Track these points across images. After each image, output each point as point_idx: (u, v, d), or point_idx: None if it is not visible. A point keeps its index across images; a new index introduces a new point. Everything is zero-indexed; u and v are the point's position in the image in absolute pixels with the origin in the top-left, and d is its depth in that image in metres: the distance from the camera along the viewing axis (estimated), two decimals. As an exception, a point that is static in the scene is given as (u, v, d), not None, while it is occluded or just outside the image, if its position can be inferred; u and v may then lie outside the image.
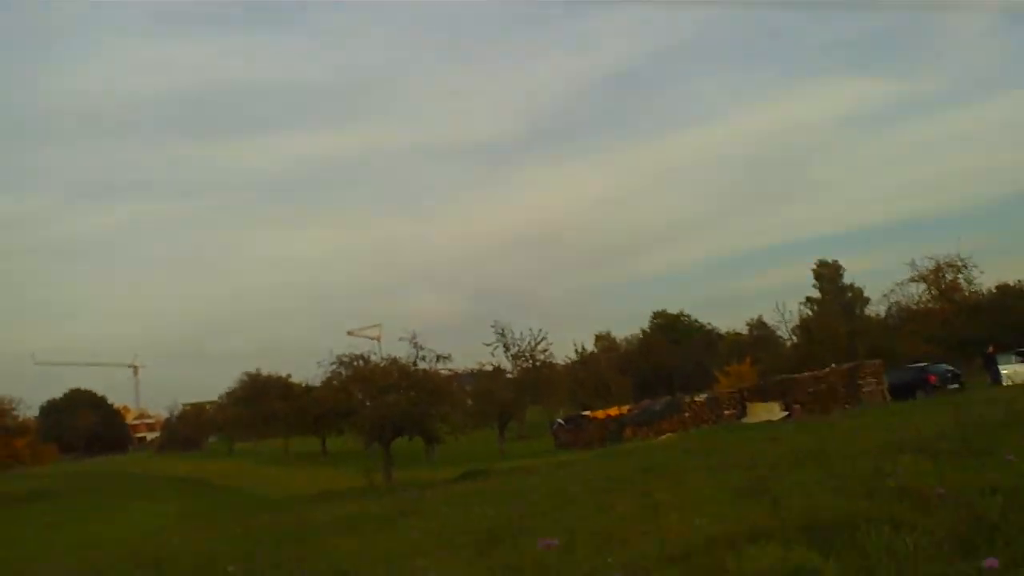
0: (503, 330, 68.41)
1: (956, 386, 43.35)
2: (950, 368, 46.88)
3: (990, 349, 45.27)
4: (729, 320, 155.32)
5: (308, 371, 74.93)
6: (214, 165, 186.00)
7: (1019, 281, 75.16)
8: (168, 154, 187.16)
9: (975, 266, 73.47)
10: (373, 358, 51.74)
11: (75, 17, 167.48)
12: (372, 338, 72.56)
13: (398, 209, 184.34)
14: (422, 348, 50.36)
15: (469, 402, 60.55)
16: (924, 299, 74.30)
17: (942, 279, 73.19)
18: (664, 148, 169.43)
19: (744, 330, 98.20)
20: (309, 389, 67.38)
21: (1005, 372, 42.20)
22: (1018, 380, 39.93)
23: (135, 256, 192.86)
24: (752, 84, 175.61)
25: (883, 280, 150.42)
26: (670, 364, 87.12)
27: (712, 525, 8.01)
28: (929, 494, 7.57)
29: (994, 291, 73.83)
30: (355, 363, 50.97)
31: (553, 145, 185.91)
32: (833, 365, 48.39)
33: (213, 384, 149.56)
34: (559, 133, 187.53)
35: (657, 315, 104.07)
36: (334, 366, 50.86)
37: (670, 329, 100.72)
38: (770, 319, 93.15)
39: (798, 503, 8.11)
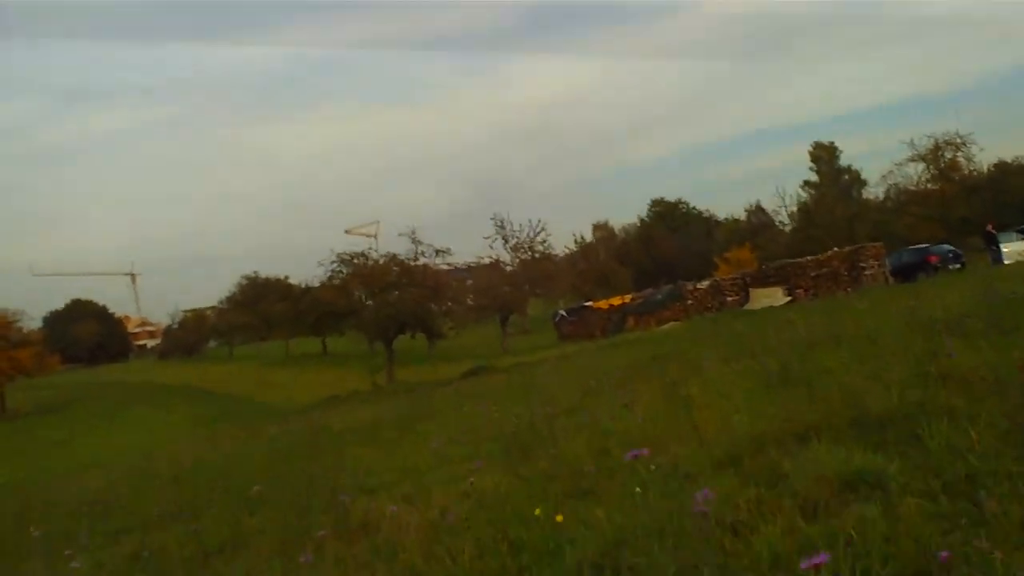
0: (502, 222, 68.33)
1: (958, 266, 43.13)
2: (952, 248, 46.63)
3: (989, 227, 44.88)
4: (727, 206, 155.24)
5: (307, 272, 75.01)
6: (201, 64, 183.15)
7: (1016, 158, 74.70)
8: (155, 54, 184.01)
9: (974, 143, 72.91)
10: (373, 255, 51.56)
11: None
12: (370, 235, 72.07)
13: (391, 101, 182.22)
14: (421, 243, 50.31)
15: (470, 297, 60.60)
16: (923, 179, 73.71)
17: (941, 158, 72.52)
18: (655, 31, 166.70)
19: (742, 216, 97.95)
20: (308, 290, 67.23)
21: (1007, 250, 41.98)
22: (1018, 259, 39.87)
23: (127, 162, 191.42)
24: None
25: (880, 162, 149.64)
26: (669, 252, 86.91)
27: (752, 422, 7.70)
28: (974, 378, 7.34)
29: (992, 168, 73.43)
30: (355, 261, 50.78)
31: (545, 32, 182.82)
32: (835, 249, 48.16)
33: (213, 289, 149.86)
34: (551, 20, 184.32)
35: (655, 203, 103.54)
36: (334, 265, 50.74)
37: (668, 217, 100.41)
38: (768, 204, 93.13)
39: (836, 394, 7.84)
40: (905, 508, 4.60)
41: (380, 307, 48.09)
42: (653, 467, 6.11)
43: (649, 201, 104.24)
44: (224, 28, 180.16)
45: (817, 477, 5.30)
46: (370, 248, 53.33)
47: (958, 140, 71.87)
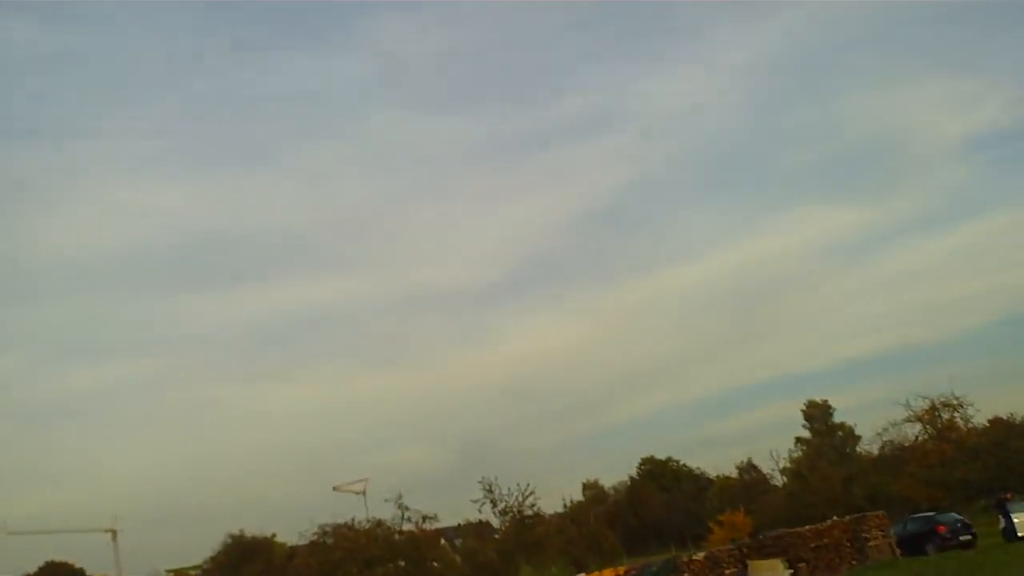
0: (490, 485, 66.86)
1: (968, 537, 41.39)
2: (959, 517, 44.93)
3: (1007, 496, 43.31)
4: (718, 462, 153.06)
5: (294, 528, 72.87)
6: (190, 320, 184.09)
7: (1012, 415, 73.93)
8: (144, 309, 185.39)
9: (971, 404, 72.40)
10: (358, 520, 50.48)
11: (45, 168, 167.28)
12: (358, 492, 70.58)
13: (381, 360, 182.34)
14: (407, 508, 49.42)
15: (457, 559, 58.91)
16: (922, 439, 72.74)
17: (938, 418, 71.95)
18: (641, 288, 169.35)
19: (734, 473, 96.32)
20: (291, 556, 65.26)
21: (1018, 521, 40.30)
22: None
23: (112, 416, 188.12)
24: (727, 217, 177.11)
25: (872, 414, 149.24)
26: (659, 513, 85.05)
27: None
28: None
29: (988, 426, 72.58)
30: (339, 531, 49.80)
31: (528, 290, 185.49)
32: (834, 518, 46.49)
33: (197, 546, 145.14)
34: (537, 278, 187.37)
35: (645, 460, 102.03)
36: (315, 535, 49.68)
37: (659, 475, 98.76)
38: (760, 462, 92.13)
39: None
40: None
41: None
42: None
43: (638, 459, 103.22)
44: (208, 284, 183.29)
45: None
46: (352, 517, 51.72)
47: (954, 401, 71.58)
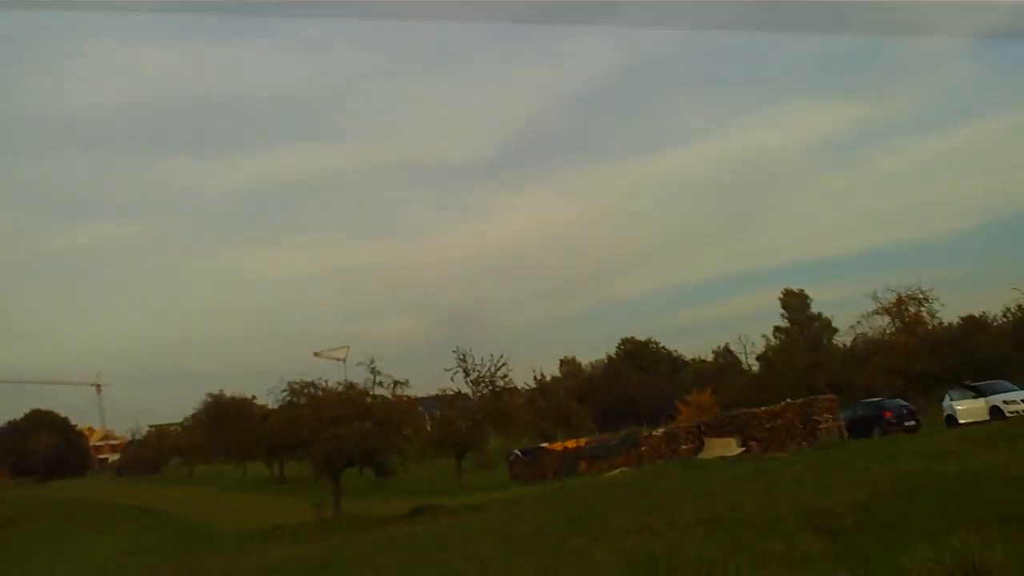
0: (464, 355, 68.00)
1: (912, 423, 43.02)
2: (905, 404, 46.68)
3: (965, 383, 45.02)
4: (699, 348, 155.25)
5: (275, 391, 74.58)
6: (181, 183, 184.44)
7: (984, 313, 75.63)
8: (134, 171, 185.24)
9: (936, 299, 73.83)
10: (330, 383, 50.97)
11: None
12: (339, 359, 71.77)
13: (369, 230, 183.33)
14: (379, 373, 49.77)
15: (428, 428, 60.00)
16: (888, 331, 74.38)
17: (904, 312, 73.40)
18: (633, 172, 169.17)
19: (710, 357, 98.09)
20: (266, 416, 66.71)
21: (960, 408, 41.91)
22: (971, 418, 39.78)
23: (102, 274, 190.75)
24: (723, 108, 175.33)
25: (852, 310, 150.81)
26: (635, 391, 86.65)
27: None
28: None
29: (959, 323, 74.17)
30: (306, 391, 50.19)
31: (523, 168, 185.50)
32: (788, 400, 47.98)
33: (181, 405, 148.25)
34: (529, 156, 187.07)
35: (625, 341, 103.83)
36: (284, 393, 50.18)
37: (637, 355, 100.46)
38: (737, 348, 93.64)
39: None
40: None
41: (327, 440, 47.27)
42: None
43: (619, 339, 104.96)
44: (203, 147, 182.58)
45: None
46: (323, 379, 52.51)
47: (920, 295, 72.96)
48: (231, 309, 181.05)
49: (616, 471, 43.52)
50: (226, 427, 75.96)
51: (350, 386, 50.26)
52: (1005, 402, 39.97)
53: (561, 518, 21.06)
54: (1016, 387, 42.79)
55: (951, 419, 42.00)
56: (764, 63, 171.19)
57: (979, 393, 42.24)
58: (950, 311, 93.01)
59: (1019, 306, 70.93)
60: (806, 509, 13.59)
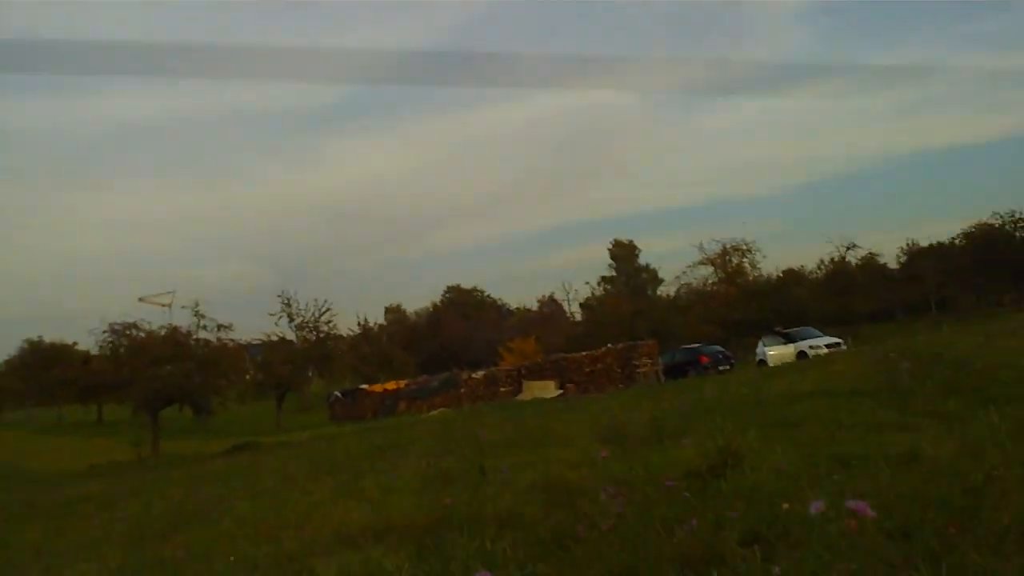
0: (288, 300, 67.17)
1: (727, 367, 44.02)
2: (721, 349, 47.86)
3: (777, 329, 46.65)
4: (525, 297, 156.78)
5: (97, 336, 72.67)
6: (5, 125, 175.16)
7: (802, 267, 78.58)
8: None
9: (759, 250, 76.41)
10: (153, 327, 50.17)
11: None
12: (164, 305, 69.71)
13: (200, 175, 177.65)
14: (204, 317, 49.32)
15: (248, 375, 59.55)
16: (712, 282, 76.37)
17: (728, 262, 75.43)
18: (467, 125, 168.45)
19: (535, 306, 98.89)
20: (87, 360, 65.01)
21: (772, 354, 43.08)
22: (781, 361, 40.89)
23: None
24: (560, 65, 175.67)
25: (680, 263, 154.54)
26: (458, 339, 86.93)
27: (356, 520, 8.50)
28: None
29: (780, 275, 76.79)
30: (128, 332, 49.40)
31: (358, 118, 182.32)
32: (609, 345, 48.64)
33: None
34: (366, 105, 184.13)
35: (450, 288, 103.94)
36: (105, 334, 49.41)
37: (461, 303, 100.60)
38: (561, 296, 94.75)
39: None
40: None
41: (148, 380, 46.47)
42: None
43: (444, 287, 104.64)
44: (33, 83, 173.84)
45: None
46: (144, 320, 51.24)
47: (744, 246, 75.16)
48: (51, 252, 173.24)
49: (435, 411, 43.37)
50: (42, 371, 73.50)
51: (174, 329, 49.59)
52: (811, 347, 41.47)
53: (371, 447, 21.26)
54: (821, 333, 44.57)
55: (762, 363, 43.18)
56: (603, 23, 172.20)
57: (789, 339, 43.96)
58: (771, 263, 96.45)
59: (832, 259, 73.83)
60: (603, 427, 13.86)
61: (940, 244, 77.41)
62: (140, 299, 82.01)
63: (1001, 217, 71.27)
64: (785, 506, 5.38)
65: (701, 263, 76.65)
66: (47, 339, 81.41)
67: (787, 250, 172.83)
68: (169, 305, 72.91)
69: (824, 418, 10.76)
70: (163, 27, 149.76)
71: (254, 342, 63.98)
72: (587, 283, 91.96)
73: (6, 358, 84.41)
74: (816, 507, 3.96)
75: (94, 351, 58.29)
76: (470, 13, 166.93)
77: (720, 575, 4.72)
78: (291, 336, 67.35)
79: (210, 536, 10.09)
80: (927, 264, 72.77)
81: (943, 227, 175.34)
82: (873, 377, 15.44)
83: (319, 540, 7.88)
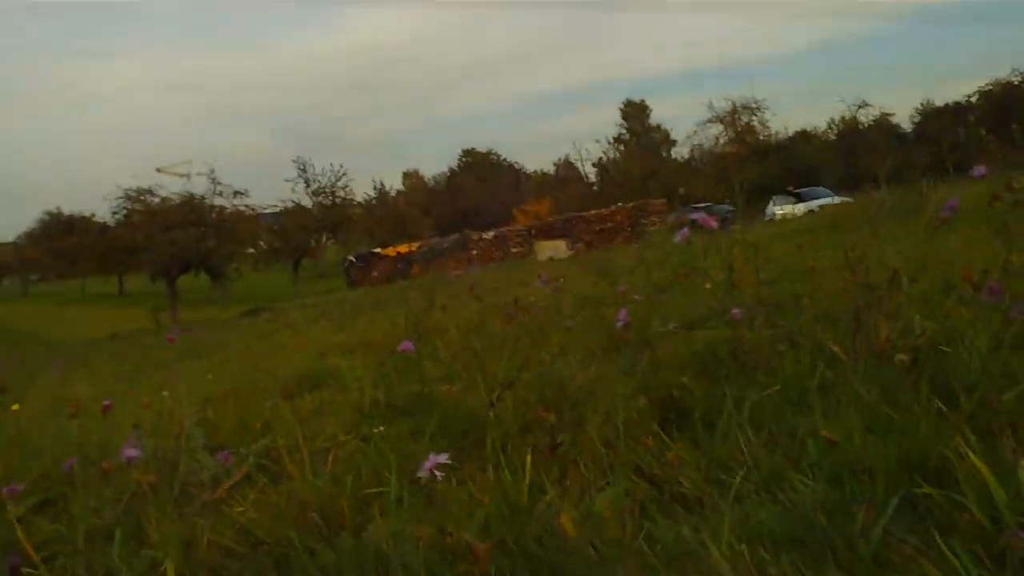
0: (304, 166, 67.44)
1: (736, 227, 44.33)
2: (731, 208, 48.03)
3: (789, 189, 46.91)
4: (542, 161, 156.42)
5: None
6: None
7: (815, 127, 77.81)
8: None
9: (768, 108, 75.56)
10: (161, 192, 50.49)
11: None
12: (182, 175, 70.28)
13: (214, 43, 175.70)
14: (219, 184, 49.56)
15: (261, 242, 60.02)
16: (722, 142, 75.99)
17: (738, 121, 74.90)
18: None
19: (552, 170, 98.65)
20: (104, 229, 65.90)
21: (780, 213, 43.35)
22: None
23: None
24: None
25: (691, 125, 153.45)
26: (475, 202, 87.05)
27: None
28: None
29: (792, 136, 76.12)
30: (143, 198, 49.71)
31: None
32: (619, 204, 48.91)
33: (12, 223, 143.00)
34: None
35: (466, 152, 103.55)
36: (120, 200, 49.75)
37: (478, 167, 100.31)
38: (575, 156, 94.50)
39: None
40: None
41: (162, 245, 46.97)
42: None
43: (460, 151, 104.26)
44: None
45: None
46: (158, 186, 51.60)
47: (753, 105, 74.49)
48: (67, 125, 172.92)
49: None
50: (61, 240, 74.45)
51: (190, 196, 49.85)
52: (820, 206, 41.63)
53: (374, 302, 22.18)
54: (831, 193, 44.52)
55: (771, 221, 43.49)
56: None
57: (799, 199, 44.15)
58: (780, 121, 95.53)
59: (843, 119, 73.06)
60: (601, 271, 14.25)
61: (957, 103, 75.92)
62: (158, 169, 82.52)
63: (1022, 73, 69.36)
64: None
65: (711, 122, 76.21)
66: (66, 212, 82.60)
67: (803, 110, 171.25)
68: (188, 175, 73.71)
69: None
70: None
71: (271, 210, 64.68)
72: (597, 142, 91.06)
73: (27, 230, 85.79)
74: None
75: (110, 220, 59.10)
76: None
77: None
78: (307, 203, 67.84)
79: (203, 367, 10.95)
80: (942, 124, 71.63)
81: (962, 87, 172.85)
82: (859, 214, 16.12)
83: (294, 359, 8.62)
